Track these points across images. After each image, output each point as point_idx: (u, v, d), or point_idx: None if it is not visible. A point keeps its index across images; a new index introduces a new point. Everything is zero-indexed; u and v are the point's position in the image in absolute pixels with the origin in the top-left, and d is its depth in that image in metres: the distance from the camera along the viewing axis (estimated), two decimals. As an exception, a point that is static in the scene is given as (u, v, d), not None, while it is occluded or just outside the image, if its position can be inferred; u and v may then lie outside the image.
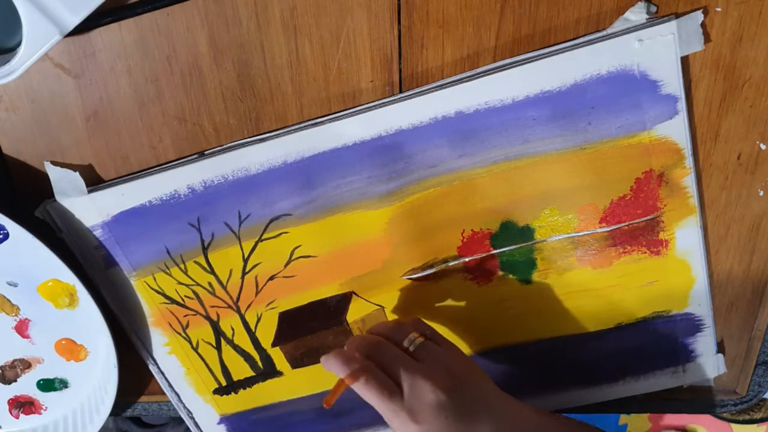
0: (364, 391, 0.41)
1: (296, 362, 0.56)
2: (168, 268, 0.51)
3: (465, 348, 0.54)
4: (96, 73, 0.44)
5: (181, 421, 0.61)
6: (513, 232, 0.48)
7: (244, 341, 0.55)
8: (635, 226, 0.47)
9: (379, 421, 0.60)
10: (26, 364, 0.59)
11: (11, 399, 0.62)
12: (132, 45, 0.43)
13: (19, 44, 0.38)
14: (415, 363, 0.42)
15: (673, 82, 0.42)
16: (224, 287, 0.52)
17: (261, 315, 0.53)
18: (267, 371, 0.57)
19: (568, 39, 0.42)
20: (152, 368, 0.57)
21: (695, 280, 0.50)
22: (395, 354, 0.43)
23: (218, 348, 0.55)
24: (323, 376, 0.57)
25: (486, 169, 0.46)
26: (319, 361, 0.55)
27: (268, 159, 0.46)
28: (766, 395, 0.57)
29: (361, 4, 0.41)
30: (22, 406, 0.62)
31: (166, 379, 0.57)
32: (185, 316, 0.54)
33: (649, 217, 0.47)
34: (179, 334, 0.55)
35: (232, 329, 0.54)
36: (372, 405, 0.41)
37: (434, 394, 0.40)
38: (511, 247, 0.49)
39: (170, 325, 0.54)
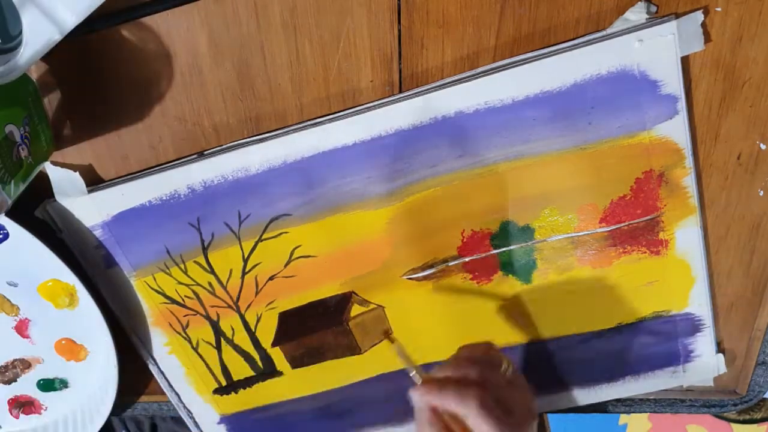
0: (483, 419, 0.40)
1: (296, 362, 0.56)
2: (168, 268, 0.51)
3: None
4: (96, 73, 0.44)
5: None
6: (513, 232, 0.48)
7: (244, 341, 0.55)
8: (635, 226, 0.47)
9: (380, 421, 0.60)
10: (26, 364, 0.59)
11: (11, 399, 0.62)
12: (132, 45, 0.43)
13: (19, 44, 0.38)
14: (519, 394, 0.44)
15: (673, 82, 0.42)
16: (224, 287, 0.52)
17: (261, 315, 0.53)
18: (267, 371, 0.57)
19: (568, 39, 0.42)
20: (152, 368, 0.57)
21: (695, 280, 0.50)
22: (502, 386, 0.43)
23: (218, 348, 0.55)
24: (323, 376, 0.57)
25: (486, 169, 0.46)
26: (318, 361, 0.56)
27: (268, 159, 0.46)
28: (766, 395, 0.57)
29: (361, 4, 0.41)
30: (22, 406, 0.62)
31: (166, 379, 0.57)
32: (185, 316, 0.54)
33: (649, 217, 0.47)
34: (179, 334, 0.55)
35: (232, 329, 0.54)
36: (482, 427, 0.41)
37: (531, 415, 0.44)
38: (511, 247, 0.49)
39: (170, 325, 0.54)
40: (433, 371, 0.44)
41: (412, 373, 0.44)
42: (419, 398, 0.42)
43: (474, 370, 0.42)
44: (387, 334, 0.52)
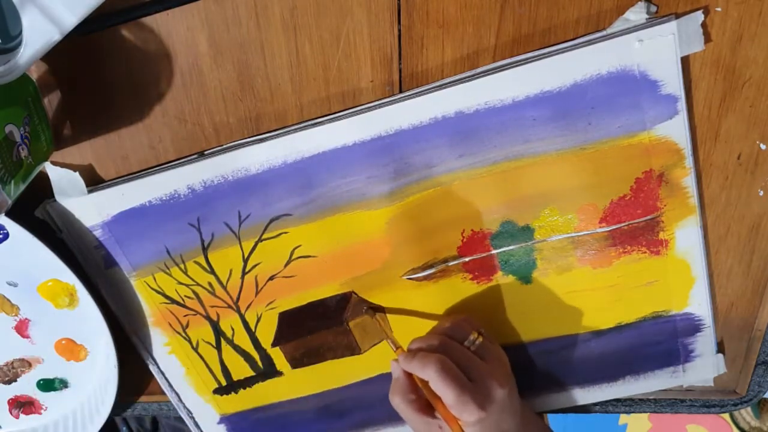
0: (442, 381, 0.43)
1: (296, 362, 0.56)
2: (168, 268, 0.51)
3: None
4: (96, 73, 0.44)
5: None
6: (513, 232, 0.48)
7: (244, 341, 0.55)
8: (635, 226, 0.47)
9: (380, 421, 0.60)
10: (26, 364, 0.59)
11: (11, 399, 0.62)
12: (132, 45, 0.43)
13: (19, 44, 0.38)
14: (482, 362, 0.46)
15: (673, 82, 0.42)
16: (224, 287, 0.52)
17: (261, 315, 0.53)
18: (267, 371, 0.57)
19: (568, 39, 0.42)
20: (152, 368, 0.57)
21: (695, 280, 0.50)
22: (464, 353, 0.46)
23: (218, 348, 0.55)
24: (323, 376, 0.57)
25: (486, 169, 0.46)
26: (318, 361, 0.56)
27: (268, 159, 0.46)
28: (766, 395, 0.57)
29: (361, 4, 0.41)
30: (22, 406, 0.62)
31: (166, 379, 0.57)
32: (185, 316, 0.54)
33: (649, 217, 0.47)
34: (179, 334, 0.55)
35: (232, 329, 0.54)
36: (443, 395, 0.44)
37: (501, 390, 0.45)
38: (511, 247, 0.49)
39: (170, 325, 0.54)
40: (409, 344, 0.48)
41: (391, 345, 0.48)
42: (395, 367, 0.47)
43: (437, 340, 0.46)
44: (365, 311, 0.52)
